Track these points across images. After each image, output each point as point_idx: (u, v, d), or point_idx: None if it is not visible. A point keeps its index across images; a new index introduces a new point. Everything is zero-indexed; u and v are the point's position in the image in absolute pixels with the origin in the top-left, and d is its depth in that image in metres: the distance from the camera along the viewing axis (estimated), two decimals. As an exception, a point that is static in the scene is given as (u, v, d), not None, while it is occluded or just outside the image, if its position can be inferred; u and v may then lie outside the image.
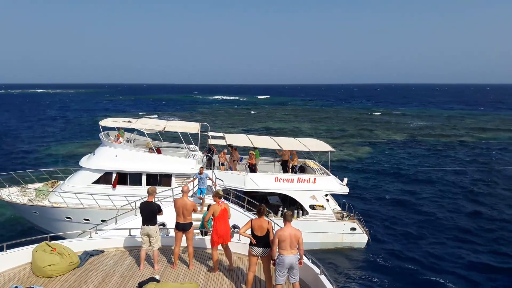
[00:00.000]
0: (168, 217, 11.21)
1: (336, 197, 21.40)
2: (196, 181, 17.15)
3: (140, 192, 18.05)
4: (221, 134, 22.96)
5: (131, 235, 10.54)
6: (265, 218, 8.02)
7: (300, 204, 18.98)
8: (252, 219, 8.12)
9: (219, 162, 20.56)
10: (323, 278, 8.03)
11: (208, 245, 10.33)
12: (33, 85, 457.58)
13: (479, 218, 23.18)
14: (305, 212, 18.90)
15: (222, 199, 9.42)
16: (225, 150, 20.97)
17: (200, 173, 16.79)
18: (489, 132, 60.06)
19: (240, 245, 10.02)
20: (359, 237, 18.87)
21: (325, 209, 19.00)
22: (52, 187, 20.38)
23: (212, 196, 9.36)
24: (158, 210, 9.17)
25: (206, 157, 21.02)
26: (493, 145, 48.72)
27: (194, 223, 9.63)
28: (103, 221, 17.33)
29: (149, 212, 9.09)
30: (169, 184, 18.99)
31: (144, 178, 19.18)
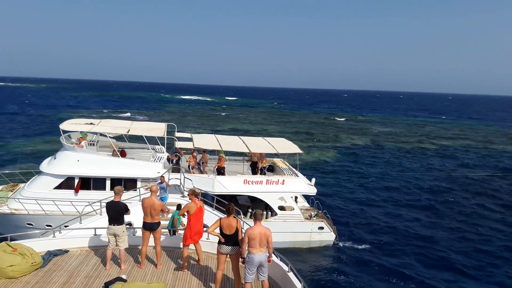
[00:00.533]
0: (135, 216, 11.03)
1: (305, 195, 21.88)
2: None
3: (104, 197, 17.60)
4: (188, 135, 22.68)
5: (96, 235, 10.30)
6: (234, 217, 8.07)
7: (269, 205, 19.17)
8: (220, 218, 8.16)
9: (188, 166, 20.36)
10: (291, 275, 8.17)
11: (176, 244, 10.26)
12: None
13: (438, 219, 24.41)
14: (274, 213, 19.11)
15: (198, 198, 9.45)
16: (195, 154, 20.73)
17: (161, 182, 16.12)
18: (449, 139, 62.82)
19: (209, 243, 10.01)
20: (327, 236, 19.33)
21: (293, 209, 19.30)
22: (12, 191, 19.56)
23: (188, 194, 9.34)
24: (125, 209, 9.01)
25: (172, 162, 20.74)
26: (451, 152, 51.03)
27: (162, 222, 9.55)
28: (66, 227, 16.82)
29: (116, 212, 8.91)
30: (134, 189, 18.65)
31: (108, 183, 18.79)
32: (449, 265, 18.23)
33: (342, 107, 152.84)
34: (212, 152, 22.52)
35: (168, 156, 21.06)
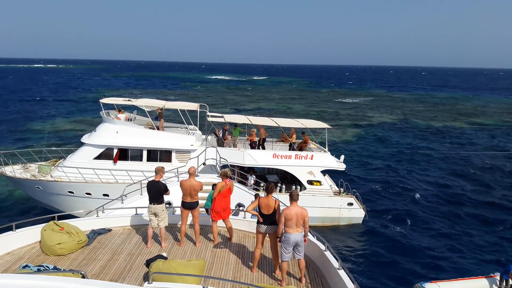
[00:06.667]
0: (174, 196, 11.29)
1: (333, 176, 21.72)
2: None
3: (141, 167, 18.42)
4: (220, 115, 23.11)
5: (137, 214, 10.66)
6: (273, 197, 8.11)
7: (298, 180, 19.34)
8: (260, 197, 8.22)
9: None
10: (328, 254, 8.17)
11: None
12: (29, 60, 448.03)
13: (466, 194, 24.06)
14: (302, 188, 19.33)
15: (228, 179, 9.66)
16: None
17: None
18: (482, 117, 59.78)
19: (246, 222, 10.19)
20: (356, 212, 19.35)
21: (322, 184, 19.37)
22: (54, 165, 20.57)
23: (221, 175, 9.61)
24: (164, 189, 9.25)
25: (218, 137, 21.28)
26: (484, 130, 48.74)
27: (200, 201, 9.80)
28: (105, 195, 17.68)
29: (156, 191, 9.16)
30: (169, 160, 19.33)
31: (144, 153, 19.51)
32: (488, 248, 17.54)
33: (367, 83, 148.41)
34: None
35: (214, 131, 21.70)
